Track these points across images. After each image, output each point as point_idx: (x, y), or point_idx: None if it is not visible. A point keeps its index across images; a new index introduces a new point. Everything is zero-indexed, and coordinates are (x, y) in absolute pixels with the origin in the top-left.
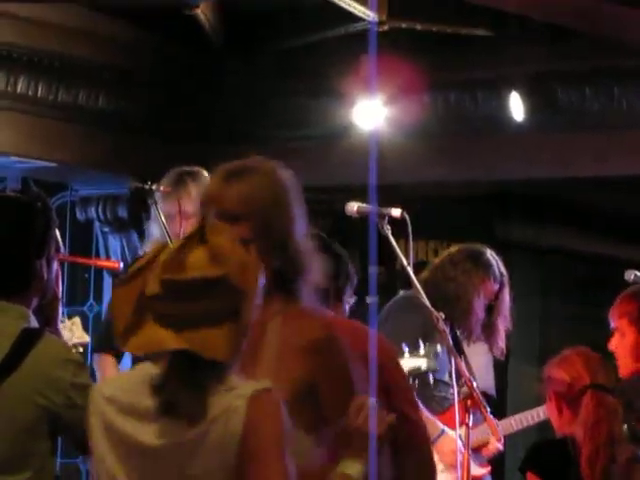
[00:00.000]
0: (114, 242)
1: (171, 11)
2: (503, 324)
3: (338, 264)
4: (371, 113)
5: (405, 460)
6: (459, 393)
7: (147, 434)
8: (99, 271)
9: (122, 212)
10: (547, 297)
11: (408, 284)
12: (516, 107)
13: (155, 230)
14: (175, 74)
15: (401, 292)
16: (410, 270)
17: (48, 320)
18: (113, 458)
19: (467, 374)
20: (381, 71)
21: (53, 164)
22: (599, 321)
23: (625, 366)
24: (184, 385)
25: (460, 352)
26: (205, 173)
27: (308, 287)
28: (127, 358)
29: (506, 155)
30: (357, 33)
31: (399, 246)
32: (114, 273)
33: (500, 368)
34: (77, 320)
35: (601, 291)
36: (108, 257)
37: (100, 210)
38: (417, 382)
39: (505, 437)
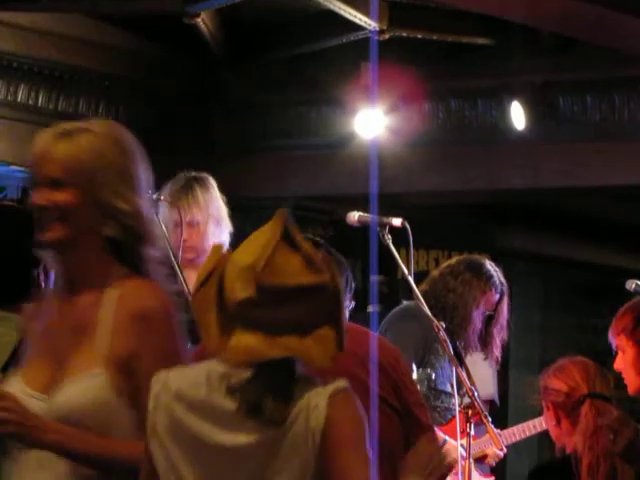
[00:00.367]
0: None
1: (172, 20)
2: (499, 334)
3: (340, 271)
4: (372, 122)
5: None
6: (460, 403)
7: (224, 434)
8: None
9: None
10: (547, 306)
11: (410, 293)
12: (517, 116)
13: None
14: (176, 83)
15: (404, 302)
16: (411, 279)
17: None
18: (180, 457)
19: (468, 384)
20: (382, 80)
21: None
22: (599, 330)
23: (631, 382)
24: (270, 389)
25: (461, 362)
26: (212, 180)
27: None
28: None
29: (507, 164)
30: (358, 42)
31: (400, 255)
32: None
33: (501, 377)
34: None
35: (601, 301)
36: None
37: None
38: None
39: (508, 446)
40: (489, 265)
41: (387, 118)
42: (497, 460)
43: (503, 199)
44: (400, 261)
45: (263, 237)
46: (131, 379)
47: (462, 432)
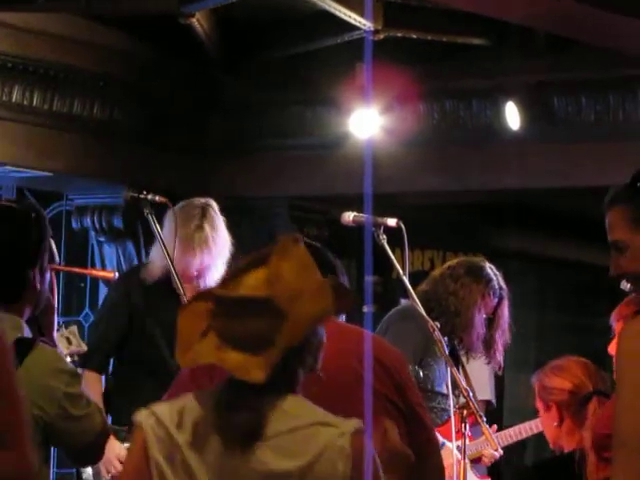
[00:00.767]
0: (109, 251)
1: (167, 21)
2: (501, 338)
3: (337, 273)
4: (367, 122)
5: (422, 465)
6: (455, 403)
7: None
8: (95, 281)
9: (117, 221)
10: (542, 307)
11: (407, 293)
12: (512, 116)
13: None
14: (171, 83)
15: (402, 301)
16: (406, 279)
17: (43, 330)
18: None
19: (463, 384)
20: (377, 80)
21: (48, 173)
22: (595, 330)
23: None
24: (243, 407)
25: (458, 363)
26: (216, 207)
27: None
28: None
29: (501, 164)
30: (353, 42)
31: (395, 255)
32: (109, 283)
33: (496, 378)
34: (74, 329)
35: (597, 300)
36: (103, 266)
37: (95, 219)
38: None
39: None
40: (489, 269)
41: (382, 118)
42: (493, 461)
43: (498, 199)
44: (395, 261)
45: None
46: None
47: (457, 432)
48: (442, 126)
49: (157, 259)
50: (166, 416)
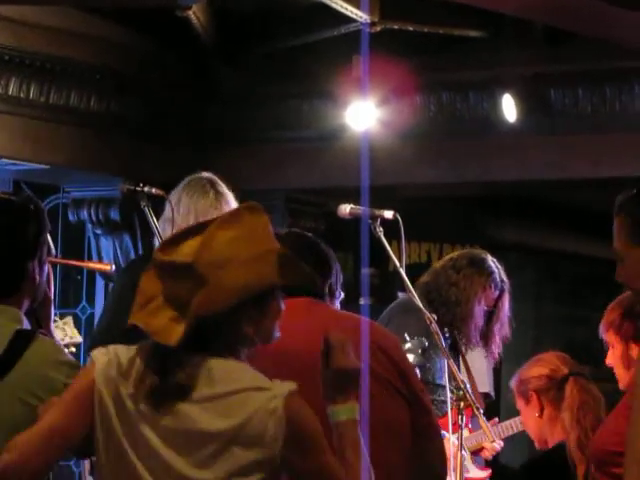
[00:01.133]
0: (106, 244)
1: (164, 13)
2: (500, 332)
3: (330, 263)
4: (364, 115)
5: (425, 448)
6: (452, 396)
7: (165, 419)
8: (92, 273)
9: (114, 214)
10: (540, 299)
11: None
12: (509, 109)
13: (167, 230)
14: (167, 76)
15: (400, 294)
16: (402, 272)
17: (40, 322)
18: (122, 434)
19: (460, 376)
20: (373, 72)
21: (45, 166)
22: (592, 323)
23: (621, 378)
24: (175, 368)
25: (458, 354)
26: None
27: None
28: None
29: (498, 157)
30: (349, 35)
31: (391, 248)
32: (106, 275)
33: (494, 371)
34: (69, 320)
35: (594, 293)
36: (100, 259)
37: (92, 212)
38: None
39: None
40: (491, 261)
41: (379, 110)
42: (493, 453)
43: (495, 191)
44: (392, 253)
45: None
46: None
47: (454, 425)
48: (439, 118)
49: None
50: (119, 360)
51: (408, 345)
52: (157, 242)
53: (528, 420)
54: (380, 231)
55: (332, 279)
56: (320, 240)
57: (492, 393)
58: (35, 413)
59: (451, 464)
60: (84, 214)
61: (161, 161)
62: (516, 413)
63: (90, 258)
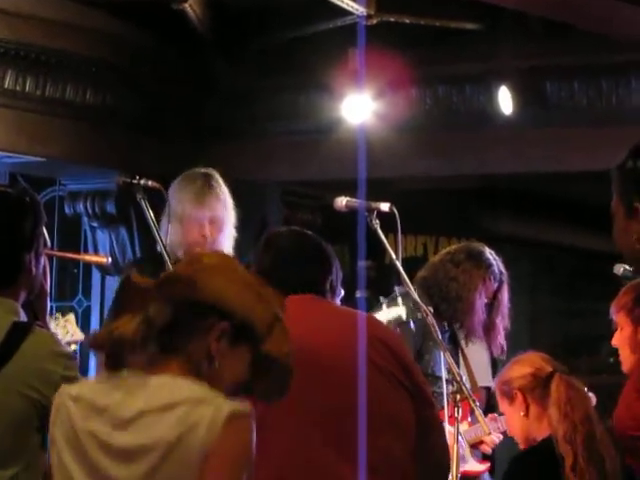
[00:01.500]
0: (102, 237)
1: (160, 6)
2: (502, 323)
3: (331, 260)
4: (360, 107)
5: (427, 439)
6: (451, 388)
7: (118, 436)
8: (88, 266)
9: (110, 207)
10: (535, 291)
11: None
12: (504, 101)
13: (165, 226)
14: (163, 69)
15: (396, 288)
16: (399, 265)
17: (36, 314)
18: (73, 462)
19: (456, 369)
20: (370, 65)
21: (41, 159)
22: (588, 315)
23: (625, 359)
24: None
25: (458, 348)
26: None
27: None
28: None
29: (494, 149)
30: (346, 27)
31: (388, 240)
32: (102, 268)
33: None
34: (71, 317)
35: (590, 285)
36: (96, 252)
37: (88, 205)
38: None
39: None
40: (489, 254)
41: (375, 103)
42: (493, 446)
43: (491, 184)
44: (388, 246)
45: None
46: None
47: (451, 417)
48: (435, 111)
49: (174, 238)
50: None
51: (399, 300)
52: (155, 235)
53: (513, 421)
54: (376, 224)
55: (333, 276)
56: (320, 238)
57: (493, 386)
58: (33, 405)
59: (457, 453)
60: (80, 207)
61: (158, 154)
62: None
63: (86, 251)
